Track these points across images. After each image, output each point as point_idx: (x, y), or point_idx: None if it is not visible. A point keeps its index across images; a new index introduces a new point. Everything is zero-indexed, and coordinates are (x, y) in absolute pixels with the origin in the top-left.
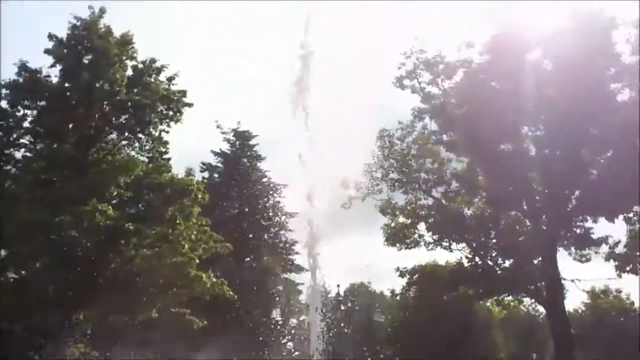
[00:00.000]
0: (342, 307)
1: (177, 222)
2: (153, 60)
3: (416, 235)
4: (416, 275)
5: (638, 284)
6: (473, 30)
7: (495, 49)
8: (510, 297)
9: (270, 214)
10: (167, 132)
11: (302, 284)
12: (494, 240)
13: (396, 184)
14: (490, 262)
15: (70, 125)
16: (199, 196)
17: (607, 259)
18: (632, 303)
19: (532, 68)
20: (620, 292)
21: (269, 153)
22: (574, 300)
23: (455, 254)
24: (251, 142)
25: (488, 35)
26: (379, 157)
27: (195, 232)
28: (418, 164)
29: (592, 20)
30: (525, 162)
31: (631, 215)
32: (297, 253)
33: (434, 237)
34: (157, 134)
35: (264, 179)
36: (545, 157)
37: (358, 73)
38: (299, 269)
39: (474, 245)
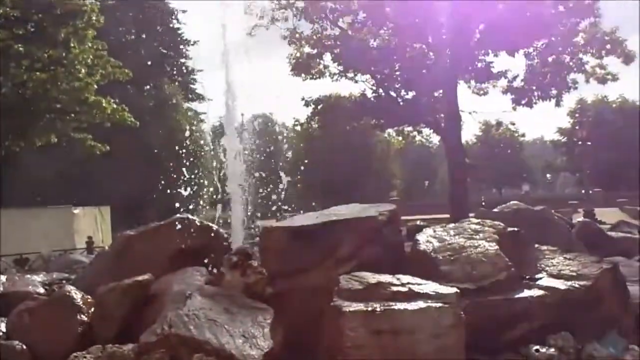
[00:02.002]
0: (247, 136)
1: (71, 45)
2: None
3: (321, 66)
4: (320, 106)
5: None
6: None
7: None
8: (410, 128)
9: (169, 40)
10: None
11: (205, 113)
12: (398, 73)
13: (302, 12)
14: (393, 94)
15: None
16: (93, 18)
17: (504, 92)
18: (523, 135)
19: None
20: (514, 124)
21: None
22: (467, 132)
23: (360, 86)
24: None
25: None
26: None
27: (91, 57)
28: None
29: None
30: None
31: (531, 50)
32: (198, 82)
33: (339, 67)
34: None
35: (162, 4)
36: None
37: None
38: (201, 97)
39: (378, 77)
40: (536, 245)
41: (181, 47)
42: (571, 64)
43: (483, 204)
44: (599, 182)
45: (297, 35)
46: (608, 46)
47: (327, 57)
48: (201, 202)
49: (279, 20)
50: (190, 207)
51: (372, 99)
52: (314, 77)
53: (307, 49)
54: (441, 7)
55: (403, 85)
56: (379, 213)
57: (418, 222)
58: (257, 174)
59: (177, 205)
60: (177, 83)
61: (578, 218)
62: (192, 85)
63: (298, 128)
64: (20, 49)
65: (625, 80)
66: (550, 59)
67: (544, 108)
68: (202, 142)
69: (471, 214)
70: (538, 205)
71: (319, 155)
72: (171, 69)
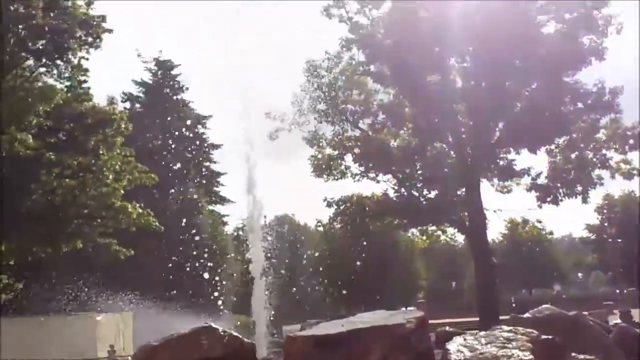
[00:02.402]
0: (270, 239)
1: (100, 152)
2: None
3: (343, 167)
4: (343, 206)
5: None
6: None
7: None
8: (434, 227)
9: (195, 145)
10: (87, 59)
11: (228, 215)
12: (419, 172)
13: (323, 115)
14: (415, 193)
15: None
16: (122, 126)
17: (528, 190)
18: (551, 232)
19: None
20: (541, 221)
21: (193, 83)
22: (493, 231)
23: (382, 185)
24: (173, 72)
25: None
26: (306, 88)
27: (119, 163)
28: (345, 95)
29: None
30: (451, 93)
31: (553, 147)
32: (221, 184)
33: (361, 168)
34: (76, 60)
35: (187, 110)
36: (471, 89)
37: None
38: (224, 200)
39: (400, 176)
40: (572, 354)
41: (206, 151)
42: (594, 160)
43: (513, 305)
44: (633, 280)
45: (319, 138)
46: (631, 141)
47: (349, 158)
48: (225, 308)
49: (301, 123)
50: (214, 312)
51: (394, 198)
52: (336, 177)
53: (328, 151)
54: (459, 106)
55: (425, 184)
56: (406, 320)
57: (447, 328)
58: (280, 278)
59: (201, 310)
60: (201, 187)
61: (614, 320)
62: (215, 188)
63: (320, 229)
64: (52, 157)
65: None
66: (573, 156)
67: (571, 204)
68: (225, 246)
69: (501, 317)
70: (571, 305)
71: (342, 256)
72: (196, 172)
